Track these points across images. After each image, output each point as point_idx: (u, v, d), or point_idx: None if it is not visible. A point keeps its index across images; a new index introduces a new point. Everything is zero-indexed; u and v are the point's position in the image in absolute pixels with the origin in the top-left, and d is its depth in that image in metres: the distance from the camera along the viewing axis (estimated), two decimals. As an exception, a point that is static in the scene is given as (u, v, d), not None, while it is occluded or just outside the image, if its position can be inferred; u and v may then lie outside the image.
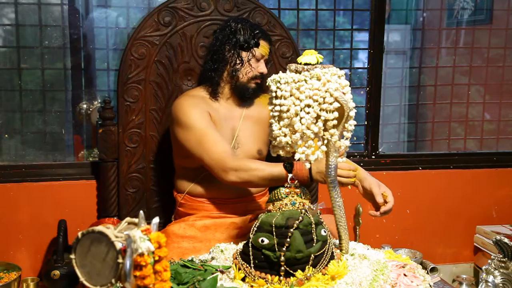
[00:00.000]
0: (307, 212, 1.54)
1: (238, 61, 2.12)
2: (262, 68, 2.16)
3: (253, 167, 1.93)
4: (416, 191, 2.94)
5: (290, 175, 1.65)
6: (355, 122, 1.54)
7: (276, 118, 1.54)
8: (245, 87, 2.15)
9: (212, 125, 2.06)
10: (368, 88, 2.86)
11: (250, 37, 2.12)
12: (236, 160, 1.96)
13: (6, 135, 2.57)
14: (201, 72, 2.31)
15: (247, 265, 1.52)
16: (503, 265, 1.69)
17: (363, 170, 1.91)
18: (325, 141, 1.53)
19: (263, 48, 2.15)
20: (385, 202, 1.85)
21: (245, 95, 2.16)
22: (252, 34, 2.13)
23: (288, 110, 1.50)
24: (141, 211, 1.13)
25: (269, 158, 2.19)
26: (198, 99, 2.12)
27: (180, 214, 2.20)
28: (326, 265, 1.50)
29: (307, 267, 1.47)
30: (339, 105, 1.50)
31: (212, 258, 1.70)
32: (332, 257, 1.54)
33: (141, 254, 1.05)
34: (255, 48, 2.13)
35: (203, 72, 2.23)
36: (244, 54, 2.13)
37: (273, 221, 1.50)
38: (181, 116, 2.06)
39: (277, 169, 1.89)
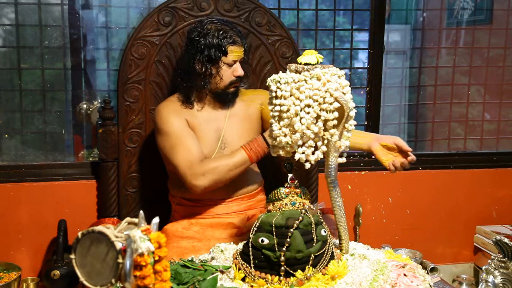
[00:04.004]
0: (307, 212, 1.54)
1: (207, 73, 2.07)
2: (237, 71, 2.09)
3: (215, 165, 2.00)
4: (416, 191, 2.94)
5: (290, 175, 1.64)
6: (355, 122, 1.55)
7: (276, 118, 1.54)
8: (224, 93, 2.12)
9: (189, 132, 2.07)
10: (368, 88, 2.86)
11: (217, 48, 2.03)
12: (201, 165, 2.00)
13: (6, 135, 2.57)
14: (175, 79, 2.26)
15: (247, 265, 1.52)
16: (503, 265, 1.69)
17: (373, 135, 2.00)
18: (325, 141, 1.53)
19: (234, 53, 2.06)
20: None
21: (225, 101, 2.15)
22: (219, 43, 2.03)
23: (288, 110, 1.50)
24: (141, 211, 1.13)
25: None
26: (176, 105, 2.13)
27: (176, 217, 2.21)
28: (326, 265, 1.50)
29: (307, 267, 1.47)
30: (339, 105, 1.50)
31: (212, 258, 1.70)
32: (332, 257, 1.54)
33: (141, 254, 1.05)
34: (224, 57, 2.05)
35: (176, 81, 2.19)
36: (214, 65, 2.06)
37: (273, 221, 1.50)
38: (159, 122, 2.09)
39: (238, 155, 2.01)
